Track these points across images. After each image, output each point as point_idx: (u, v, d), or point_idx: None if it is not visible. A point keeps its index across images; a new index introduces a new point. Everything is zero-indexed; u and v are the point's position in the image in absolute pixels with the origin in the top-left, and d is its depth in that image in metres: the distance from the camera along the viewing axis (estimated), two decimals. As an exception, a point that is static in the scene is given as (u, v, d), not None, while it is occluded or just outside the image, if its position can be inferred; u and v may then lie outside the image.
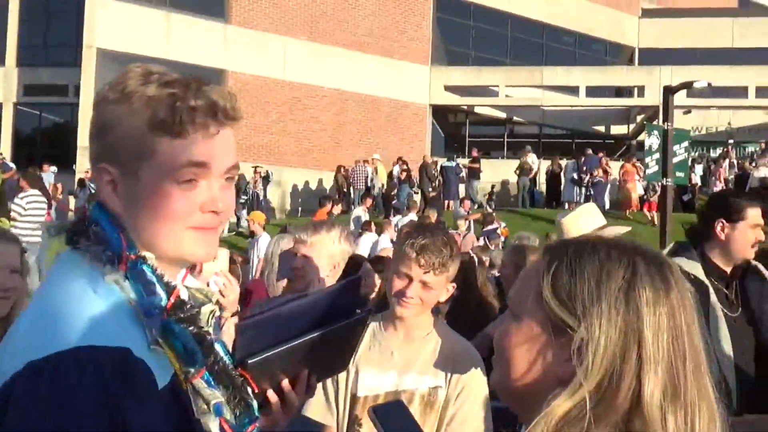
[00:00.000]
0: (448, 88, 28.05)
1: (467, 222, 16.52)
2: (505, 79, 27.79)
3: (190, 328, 1.23)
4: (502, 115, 29.68)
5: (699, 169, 23.44)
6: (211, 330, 1.33)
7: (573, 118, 29.71)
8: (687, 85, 12.27)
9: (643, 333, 1.03)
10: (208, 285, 2.38)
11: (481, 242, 12.71)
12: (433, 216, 15.05)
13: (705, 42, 29.57)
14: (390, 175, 23.05)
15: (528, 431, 1.03)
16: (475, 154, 24.08)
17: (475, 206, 21.03)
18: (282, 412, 1.50)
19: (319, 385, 2.31)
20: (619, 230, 3.83)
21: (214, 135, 1.26)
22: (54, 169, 20.69)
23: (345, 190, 22.53)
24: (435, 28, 28.24)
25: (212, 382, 1.25)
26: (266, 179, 21.88)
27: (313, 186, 24.98)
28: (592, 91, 28.04)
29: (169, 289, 1.24)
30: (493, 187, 23.49)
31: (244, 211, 20.14)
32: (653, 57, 29.69)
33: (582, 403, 1.00)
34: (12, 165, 21.03)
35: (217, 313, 1.39)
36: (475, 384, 2.39)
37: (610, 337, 1.03)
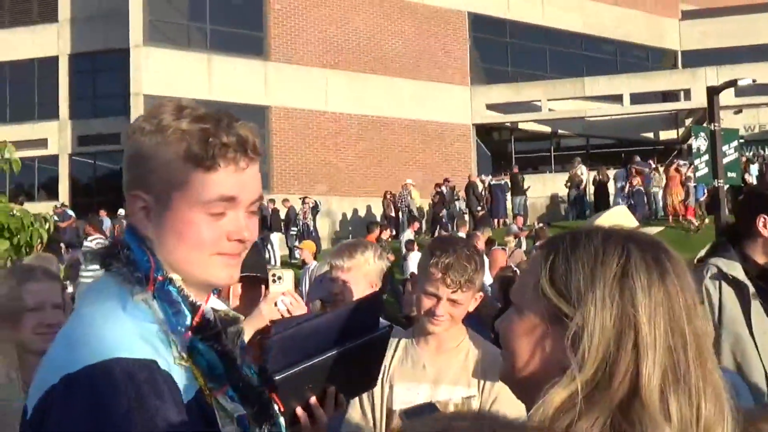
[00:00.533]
0: (490, 107, 28.01)
1: (517, 239, 16.39)
2: (546, 93, 27.62)
3: (215, 346, 1.29)
4: (547, 129, 29.46)
5: (754, 168, 22.81)
6: (237, 350, 1.39)
7: (620, 127, 29.29)
8: (731, 84, 12.02)
9: (638, 319, 1.03)
10: (276, 305, 2.43)
11: (532, 257, 12.57)
12: (486, 234, 14.96)
13: (749, 39, 28.94)
14: (434, 197, 23.12)
15: (527, 418, 1.04)
16: (515, 170, 23.95)
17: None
18: (311, 429, 1.53)
19: (356, 401, 2.35)
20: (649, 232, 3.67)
21: (244, 169, 1.33)
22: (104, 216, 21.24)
23: (393, 214, 22.59)
24: (472, 47, 28.30)
25: (236, 398, 1.29)
26: (315, 209, 22.09)
27: (362, 213, 25.10)
28: (637, 98, 27.63)
29: (194, 308, 1.30)
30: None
31: (297, 242, 20.36)
32: (697, 59, 29.16)
33: (577, 391, 1.00)
34: (71, 213, 21.71)
35: (243, 333, 1.45)
36: (509, 391, 2.38)
37: (605, 323, 1.03)
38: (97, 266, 1.37)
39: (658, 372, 1.01)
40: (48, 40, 26.48)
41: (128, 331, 1.23)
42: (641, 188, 20.75)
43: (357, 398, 2.36)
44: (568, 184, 22.70)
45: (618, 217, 3.46)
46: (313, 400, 1.54)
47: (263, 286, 3.14)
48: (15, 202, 6.12)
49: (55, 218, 18.46)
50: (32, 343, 2.36)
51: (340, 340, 1.54)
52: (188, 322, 1.28)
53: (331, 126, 25.15)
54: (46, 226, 5.92)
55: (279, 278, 3.03)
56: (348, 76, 25.40)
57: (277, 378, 1.45)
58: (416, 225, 19.36)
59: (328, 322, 1.57)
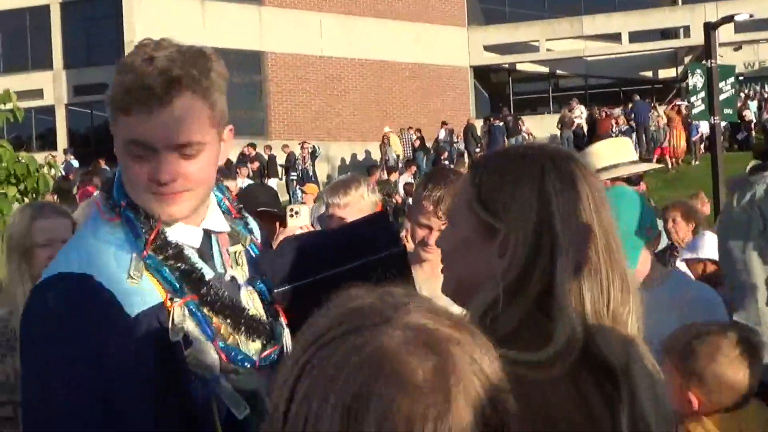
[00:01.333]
0: (487, 48, 27.79)
1: None
2: (544, 33, 27.37)
3: (177, 264, 1.44)
4: (545, 69, 29.28)
5: (753, 105, 22.78)
6: (241, 266, 1.57)
7: (619, 66, 29.09)
8: (728, 20, 11.93)
9: (553, 223, 1.17)
10: None
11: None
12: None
13: (750, -27, 28.52)
14: (437, 139, 23.16)
15: (469, 305, 1.19)
16: (505, 113, 23.91)
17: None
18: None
19: None
20: (643, 167, 3.48)
21: (159, 112, 1.37)
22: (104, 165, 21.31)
23: (386, 159, 22.63)
24: (469, -13, 27.93)
25: (196, 310, 1.43)
26: (314, 155, 22.14)
27: (360, 158, 25.13)
28: (636, 36, 27.39)
29: (150, 231, 1.43)
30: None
31: (298, 187, 20.49)
32: (697, -6, 28.77)
33: (504, 287, 1.15)
34: (76, 163, 21.74)
35: (253, 251, 1.61)
36: None
37: (527, 230, 1.17)
38: None
39: (571, 268, 1.15)
40: (38, -11, 26.13)
41: (83, 251, 1.43)
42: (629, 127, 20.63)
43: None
44: (559, 125, 22.72)
45: (619, 145, 3.40)
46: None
47: (278, 223, 3.27)
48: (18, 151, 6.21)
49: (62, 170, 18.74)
50: None
51: (347, 259, 1.62)
52: (142, 244, 1.42)
53: (327, 71, 24.99)
54: (52, 172, 6.02)
55: (296, 213, 3.15)
56: (343, 20, 25.13)
57: (277, 291, 1.56)
58: (413, 168, 19.46)
59: (328, 240, 1.65)
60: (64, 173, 19.98)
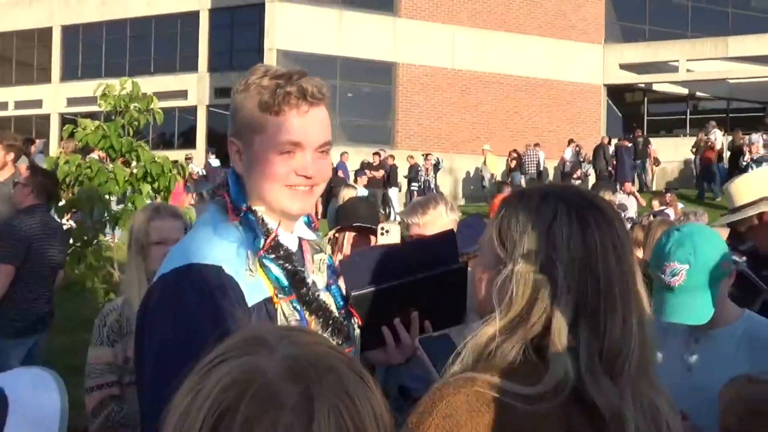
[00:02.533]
0: (623, 66, 26.98)
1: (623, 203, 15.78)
2: (685, 53, 26.26)
3: (284, 264, 1.62)
4: (684, 91, 28.07)
5: None
6: (322, 273, 1.77)
7: (764, 90, 27.48)
8: None
9: (556, 266, 1.22)
10: None
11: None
12: (607, 196, 14.61)
13: None
14: (562, 159, 22.76)
15: (462, 350, 1.26)
16: (638, 134, 23.05)
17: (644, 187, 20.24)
18: (396, 349, 1.81)
19: None
20: None
21: (306, 112, 1.62)
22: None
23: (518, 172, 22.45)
24: (608, 3, 27.24)
25: (299, 308, 1.63)
26: (437, 167, 22.26)
27: (485, 172, 25.03)
28: (787, 60, 25.78)
29: (268, 233, 1.63)
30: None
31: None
32: None
33: (500, 327, 1.22)
34: (217, 163, 22.90)
35: (328, 261, 1.81)
36: None
37: (529, 272, 1.23)
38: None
39: (569, 313, 1.20)
40: (190, -4, 27.77)
41: (210, 247, 1.59)
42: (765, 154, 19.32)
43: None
44: (694, 149, 21.64)
45: (762, 176, 3.24)
46: (396, 321, 1.78)
47: (374, 237, 3.39)
48: (158, 150, 6.67)
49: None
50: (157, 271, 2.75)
51: (416, 270, 1.77)
52: (261, 243, 1.61)
53: (457, 83, 25.07)
54: (182, 173, 6.43)
55: (387, 231, 3.28)
56: (475, 33, 25.15)
57: (353, 294, 1.74)
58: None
59: (405, 250, 1.79)
60: (204, 172, 21.18)
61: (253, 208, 1.64)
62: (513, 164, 22.47)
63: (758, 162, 18.53)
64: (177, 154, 16.07)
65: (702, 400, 2.00)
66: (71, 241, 6.01)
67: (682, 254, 2.16)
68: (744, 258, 2.81)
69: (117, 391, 2.82)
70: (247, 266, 1.59)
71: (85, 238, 6.15)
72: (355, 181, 18.07)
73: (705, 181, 20.39)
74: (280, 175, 1.62)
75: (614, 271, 1.23)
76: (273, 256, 1.62)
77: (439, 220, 2.99)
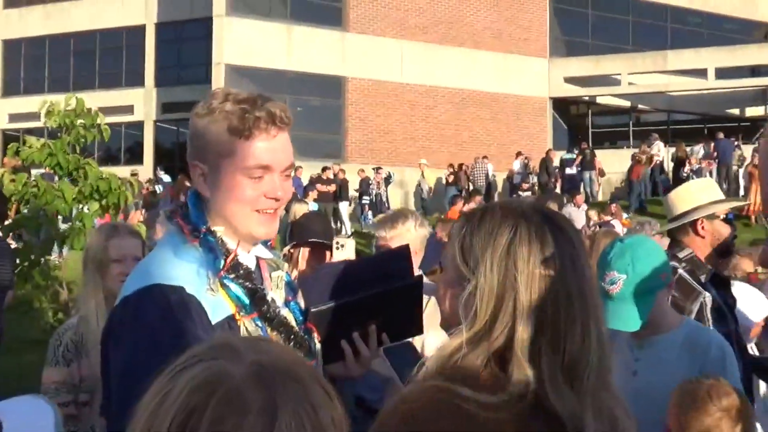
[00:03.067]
0: (568, 80, 27.57)
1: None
2: (627, 67, 26.97)
3: (246, 284, 1.65)
4: (627, 103, 28.82)
5: None
6: (281, 290, 1.81)
7: (704, 102, 28.39)
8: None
9: (518, 285, 1.26)
10: None
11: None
12: (554, 208, 14.85)
13: None
14: (511, 171, 23.12)
15: (427, 361, 1.32)
16: (584, 146, 23.57)
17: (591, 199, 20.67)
18: (355, 362, 1.85)
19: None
20: (732, 204, 3.42)
21: (275, 136, 1.66)
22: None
23: (466, 187, 22.69)
24: (552, 19, 27.84)
25: (261, 324, 1.66)
26: (387, 180, 22.38)
27: (436, 185, 25.26)
28: (723, 73, 26.68)
29: (228, 254, 1.66)
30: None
31: (370, 212, 20.76)
32: (791, 32, 27.90)
33: (464, 341, 1.27)
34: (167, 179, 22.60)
35: (285, 278, 1.85)
36: None
37: (492, 288, 1.27)
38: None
39: (531, 326, 1.25)
40: (136, 10, 27.43)
41: (171, 268, 1.61)
42: (702, 166, 19.93)
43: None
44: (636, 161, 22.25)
45: (702, 186, 3.31)
46: (355, 335, 1.84)
47: (328, 253, 3.43)
48: (104, 166, 6.59)
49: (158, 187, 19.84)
50: (115, 288, 2.75)
51: (372, 284, 1.83)
52: (221, 264, 1.64)
53: (406, 97, 25.28)
54: (131, 190, 6.36)
55: (342, 246, 3.35)
56: (424, 47, 25.42)
57: (312, 310, 1.79)
58: (478, 198, 19.44)
59: (358, 267, 1.86)
60: (160, 189, 20.94)
61: (213, 229, 1.67)
62: (450, 179, 22.68)
63: (697, 172, 19.11)
64: (124, 170, 15.85)
65: (646, 403, 2.09)
66: (17, 261, 5.89)
67: (621, 264, 2.26)
68: (683, 264, 2.93)
69: (73, 411, 2.80)
70: (209, 286, 1.61)
71: (32, 257, 6.04)
72: (306, 195, 18.04)
73: (629, 193, 21.00)
74: (249, 199, 1.65)
75: (573, 285, 1.29)
76: (233, 275, 1.65)
77: (407, 235, 3.03)
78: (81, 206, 6.11)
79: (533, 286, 1.27)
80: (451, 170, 22.89)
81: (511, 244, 1.29)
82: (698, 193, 3.12)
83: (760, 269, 5.53)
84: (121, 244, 2.94)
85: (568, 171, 22.00)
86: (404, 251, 1.96)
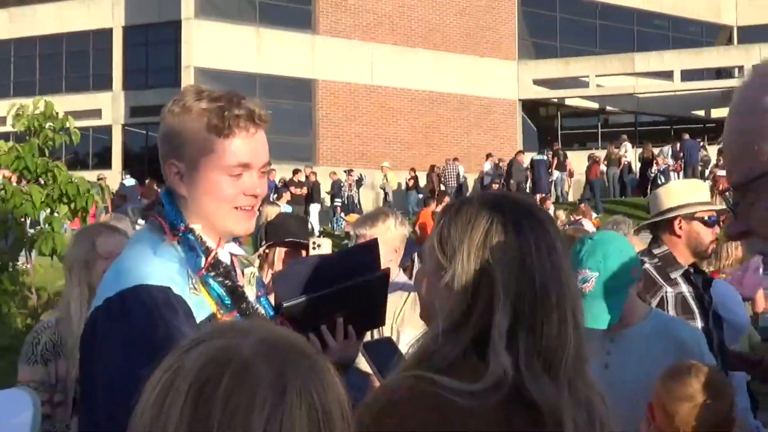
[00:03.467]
0: (536, 82, 27.84)
1: None
2: (595, 69, 27.31)
3: (225, 282, 1.65)
4: (595, 105, 29.17)
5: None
6: (252, 286, 1.81)
7: (670, 104, 28.85)
8: (777, 62, 11.78)
9: (493, 270, 1.28)
10: None
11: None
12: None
13: (808, 14, 28.12)
14: (481, 172, 23.27)
15: (409, 346, 1.34)
16: (556, 147, 23.84)
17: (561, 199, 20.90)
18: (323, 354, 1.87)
19: (369, 339, 2.66)
20: (715, 208, 3.25)
21: (254, 134, 1.67)
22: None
23: (437, 189, 22.79)
24: (521, 22, 28.10)
25: None
26: (359, 182, 22.41)
27: (405, 187, 25.31)
28: (689, 75, 27.14)
29: (208, 252, 1.66)
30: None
31: (342, 214, 20.77)
32: (753, 34, 28.46)
33: (449, 321, 1.29)
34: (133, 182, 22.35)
35: (257, 274, 1.86)
36: None
37: (468, 276, 1.29)
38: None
39: (507, 315, 1.26)
40: (103, 13, 27.15)
41: (153, 267, 1.59)
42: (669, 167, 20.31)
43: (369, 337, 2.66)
44: (605, 162, 22.61)
45: (691, 186, 3.33)
46: (324, 328, 1.87)
47: (304, 252, 3.45)
48: (72, 170, 6.51)
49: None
50: None
51: (342, 279, 1.87)
52: (202, 262, 1.64)
53: (376, 100, 25.33)
54: (101, 194, 6.29)
55: (318, 246, 3.37)
56: (394, 50, 25.50)
57: (284, 305, 1.81)
58: (446, 200, 19.61)
59: (331, 262, 1.89)
60: (118, 192, 20.70)
61: (191, 227, 1.66)
62: (410, 183, 22.76)
63: (664, 173, 19.43)
64: (92, 175, 15.68)
65: (619, 394, 2.12)
66: (-16, 266, 5.80)
67: (593, 262, 2.28)
68: (656, 260, 2.97)
69: (48, 410, 2.78)
70: (191, 285, 1.61)
71: (0, 262, 5.94)
72: (279, 198, 17.99)
73: (592, 192, 21.30)
74: (229, 197, 1.65)
75: (549, 274, 1.30)
76: (213, 273, 1.65)
77: (386, 234, 3.06)
78: (49, 210, 6.02)
79: (510, 275, 1.28)
80: (413, 174, 22.98)
81: (487, 234, 1.30)
82: (683, 193, 3.13)
83: (726, 267, 5.64)
84: (108, 242, 2.96)
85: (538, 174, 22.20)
86: (372, 245, 2.01)
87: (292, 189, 19.71)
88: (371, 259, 1.95)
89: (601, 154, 22.97)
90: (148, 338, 1.48)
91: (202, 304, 1.61)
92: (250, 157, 1.66)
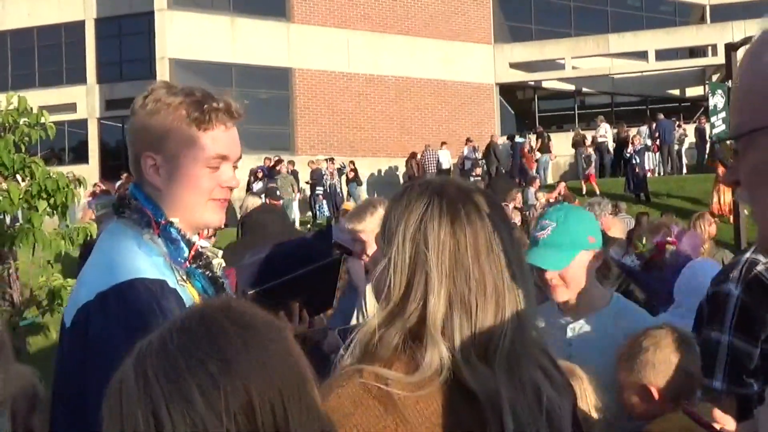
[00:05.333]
0: (513, 65, 27.90)
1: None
2: (570, 51, 27.42)
3: (207, 273, 1.69)
4: (571, 87, 29.30)
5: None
6: (219, 276, 1.82)
7: (646, 84, 29.03)
8: (748, 40, 11.90)
9: (428, 259, 1.28)
10: None
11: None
12: (517, 196, 15.15)
13: (779, -8, 28.35)
14: (460, 157, 23.35)
15: (354, 337, 1.33)
16: (539, 129, 23.94)
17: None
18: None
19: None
20: None
21: (230, 128, 1.70)
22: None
23: (418, 175, 22.82)
24: (495, 5, 28.10)
25: None
26: (341, 171, 22.38)
27: (386, 174, 25.34)
28: (663, 54, 27.32)
29: (190, 244, 1.69)
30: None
31: (324, 202, 20.75)
32: (726, 13, 28.68)
33: (385, 314, 1.30)
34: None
35: (223, 264, 1.86)
36: None
37: (404, 261, 1.29)
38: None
39: (444, 301, 1.26)
40: (74, 5, 26.79)
41: (143, 261, 1.60)
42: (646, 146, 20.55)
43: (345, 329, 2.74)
44: (574, 144, 22.81)
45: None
46: (281, 313, 1.96)
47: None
48: (49, 165, 6.47)
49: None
50: None
51: (300, 265, 1.97)
52: (186, 254, 1.66)
53: (353, 87, 25.28)
54: (80, 189, 6.27)
55: None
56: (370, 37, 25.43)
57: (250, 292, 1.91)
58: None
59: (290, 249, 2.03)
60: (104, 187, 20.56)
61: (171, 220, 1.68)
62: (351, 175, 22.43)
63: (639, 153, 19.60)
64: (69, 170, 15.56)
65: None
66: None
67: (554, 215, 2.37)
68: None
69: None
70: (180, 277, 1.63)
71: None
72: (251, 187, 18.03)
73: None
74: (206, 189, 1.68)
75: (484, 263, 1.28)
76: (195, 265, 1.68)
77: (378, 223, 3.09)
78: (28, 206, 5.99)
79: (444, 262, 1.27)
80: (352, 166, 22.56)
81: (422, 220, 1.29)
82: None
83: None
84: None
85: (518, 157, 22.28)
86: (327, 230, 2.13)
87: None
88: (323, 245, 2.07)
89: (588, 134, 23.11)
90: (150, 327, 1.49)
91: (188, 297, 1.63)
92: (228, 150, 1.69)
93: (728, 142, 1.07)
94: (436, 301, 1.26)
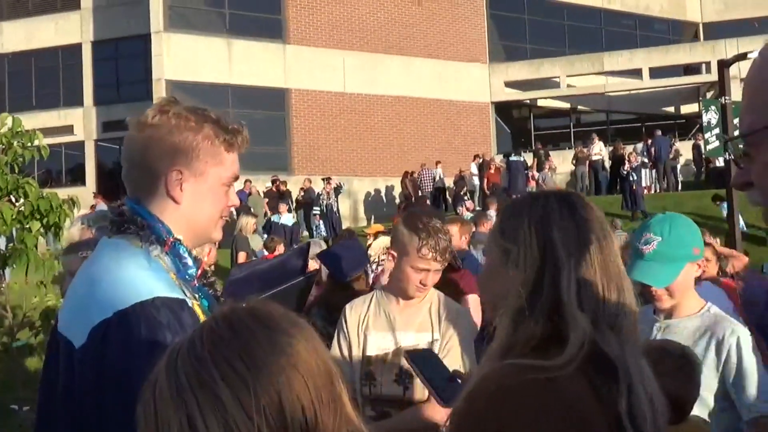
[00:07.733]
0: (508, 84, 28.07)
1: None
2: (565, 70, 27.60)
3: (211, 291, 1.73)
4: (566, 105, 29.46)
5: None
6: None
7: (641, 102, 29.20)
8: (741, 57, 11.99)
9: (555, 245, 1.43)
10: None
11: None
12: (492, 205, 15.13)
13: (771, 10, 28.61)
14: (458, 175, 23.42)
15: (498, 319, 1.44)
16: (538, 146, 24.05)
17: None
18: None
19: (335, 346, 2.76)
20: None
21: (240, 152, 1.77)
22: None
23: (412, 194, 22.86)
24: (490, 25, 28.32)
25: None
26: (337, 190, 22.39)
27: (383, 193, 25.40)
28: (657, 72, 27.50)
29: (198, 262, 1.69)
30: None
31: (321, 222, 20.74)
32: (719, 31, 28.92)
33: (522, 299, 1.40)
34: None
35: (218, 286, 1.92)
36: (460, 324, 2.84)
37: (533, 251, 1.43)
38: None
39: (573, 280, 1.39)
40: (71, 28, 26.96)
41: (158, 279, 1.58)
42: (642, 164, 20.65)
43: (336, 345, 2.73)
44: (574, 161, 22.92)
45: None
46: None
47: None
48: (45, 186, 6.47)
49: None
50: None
51: (281, 280, 2.08)
52: (194, 272, 1.66)
53: (349, 107, 25.39)
54: (74, 210, 6.26)
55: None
56: (365, 57, 25.59)
57: None
58: (426, 202, 19.73)
59: (273, 267, 2.15)
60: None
61: (178, 238, 1.67)
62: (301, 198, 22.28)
63: (636, 170, 19.67)
64: (67, 192, 15.59)
65: None
66: (-43, 285, 5.74)
67: (658, 228, 2.42)
68: None
69: None
70: (191, 295, 1.62)
71: (-28, 281, 5.89)
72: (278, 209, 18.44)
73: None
74: (222, 206, 1.75)
75: (604, 247, 1.44)
76: (201, 283, 1.70)
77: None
78: (21, 227, 5.98)
79: (569, 246, 1.42)
80: (308, 185, 22.20)
81: (544, 212, 1.45)
82: None
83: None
84: (74, 260, 3.00)
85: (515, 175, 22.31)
86: (304, 249, 2.23)
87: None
88: (298, 264, 2.16)
89: (585, 150, 23.30)
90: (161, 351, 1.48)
91: (196, 315, 1.63)
92: (238, 171, 1.78)
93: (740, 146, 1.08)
94: (567, 281, 1.39)
